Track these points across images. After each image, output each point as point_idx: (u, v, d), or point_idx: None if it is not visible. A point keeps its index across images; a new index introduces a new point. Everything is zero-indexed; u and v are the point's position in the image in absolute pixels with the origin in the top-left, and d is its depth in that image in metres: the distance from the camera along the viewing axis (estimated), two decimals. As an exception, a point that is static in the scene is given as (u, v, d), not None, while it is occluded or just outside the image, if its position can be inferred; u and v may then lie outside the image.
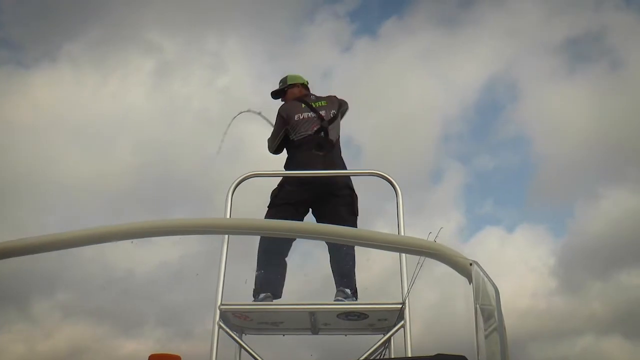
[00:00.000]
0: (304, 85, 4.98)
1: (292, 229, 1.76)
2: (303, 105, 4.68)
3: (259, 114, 4.97)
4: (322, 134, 4.51)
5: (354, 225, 4.29)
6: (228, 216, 3.83)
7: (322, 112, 4.62)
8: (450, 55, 18.80)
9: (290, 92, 4.92)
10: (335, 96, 4.81)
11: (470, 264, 1.59)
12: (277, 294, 3.98)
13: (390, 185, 3.89)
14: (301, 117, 4.59)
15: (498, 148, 18.25)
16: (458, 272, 1.64)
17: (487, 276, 1.54)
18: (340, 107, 4.76)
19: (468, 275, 1.62)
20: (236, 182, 3.91)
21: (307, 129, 4.53)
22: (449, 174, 17.55)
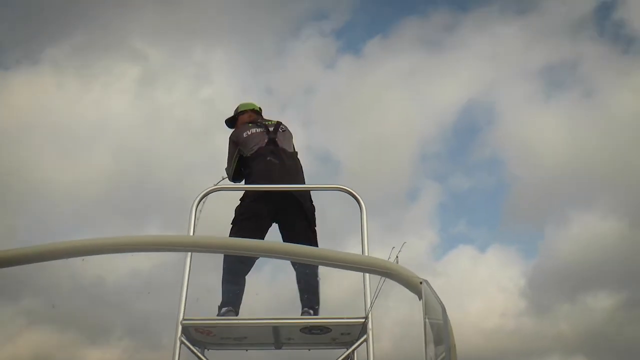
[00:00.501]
0: (254, 111, 5.08)
1: (250, 248, 1.78)
2: (250, 124, 4.82)
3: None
4: (273, 145, 4.58)
5: (314, 236, 4.36)
6: (192, 230, 3.82)
7: (270, 128, 4.73)
8: (432, 77, 19.24)
9: (241, 118, 5.03)
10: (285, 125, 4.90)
11: (420, 283, 1.62)
12: (237, 310, 3.98)
13: (356, 201, 3.93)
14: (250, 133, 4.70)
15: (474, 169, 18.76)
16: (409, 289, 1.68)
17: (435, 294, 1.57)
18: (289, 131, 4.85)
19: (418, 293, 1.66)
20: (200, 196, 3.91)
21: (257, 142, 4.61)
22: (425, 192, 17.97)
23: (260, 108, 5.16)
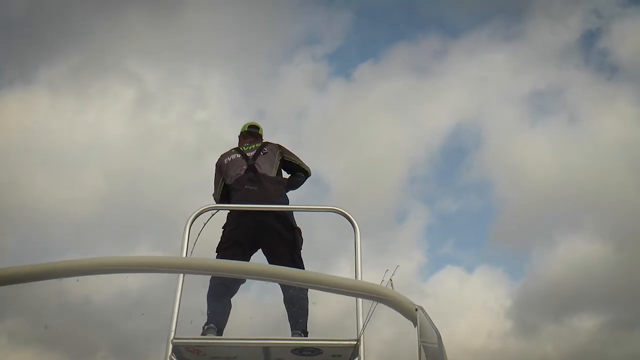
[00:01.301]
0: (245, 133, 5.12)
1: (242, 270, 1.78)
2: (233, 151, 4.89)
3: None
4: (252, 172, 4.61)
5: (297, 259, 4.37)
6: (186, 249, 3.82)
7: (249, 154, 4.77)
8: (421, 101, 19.69)
9: (239, 143, 5.10)
10: (272, 143, 4.94)
11: (416, 309, 1.63)
12: (220, 330, 3.97)
13: (349, 222, 3.95)
14: (229, 159, 4.78)
15: (461, 192, 19.04)
16: (404, 315, 1.69)
17: (431, 322, 1.58)
18: (278, 149, 4.88)
19: (413, 319, 1.67)
20: (193, 215, 3.92)
21: (236, 170, 4.68)
22: (413, 214, 18.20)
23: (256, 126, 5.16)
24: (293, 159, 4.92)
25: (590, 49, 19.07)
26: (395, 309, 1.69)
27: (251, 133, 5.10)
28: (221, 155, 4.91)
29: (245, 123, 5.22)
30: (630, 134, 16.97)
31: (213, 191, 4.85)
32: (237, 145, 5.03)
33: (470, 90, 19.31)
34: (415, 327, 1.66)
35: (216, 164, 4.87)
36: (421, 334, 1.65)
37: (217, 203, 4.76)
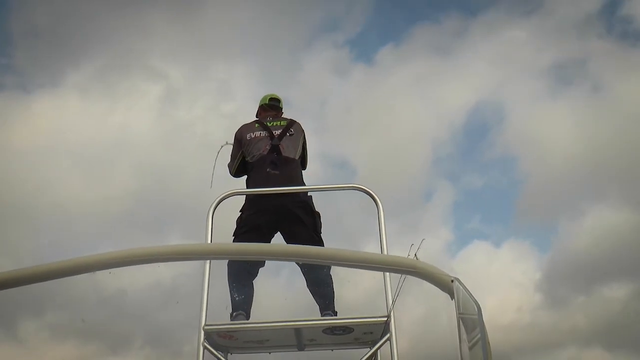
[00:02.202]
0: (266, 106, 4.94)
1: (268, 252, 1.76)
2: (257, 125, 4.69)
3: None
4: (275, 153, 4.48)
5: (318, 242, 4.31)
6: (210, 235, 3.82)
7: (276, 132, 4.60)
8: (442, 81, 19.75)
9: (258, 114, 4.96)
10: (299, 123, 4.78)
11: (452, 281, 1.60)
12: (248, 314, 3.98)
13: (372, 199, 3.91)
14: (253, 136, 4.59)
15: (486, 168, 19.03)
16: (440, 288, 1.66)
17: (469, 292, 1.55)
18: (302, 132, 4.75)
19: (450, 292, 1.63)
20: (216, 201, 3.91)
21: (259, 149, 4.52)
22: (439, 193, 18.33)
23: (277, 99, 4.97)
24: (306, 149, 4.76)
25: (612, 17, 18.78)
26: (431, 282, 1.66)
27: (272, 106, 4.90)
28: (242, 127, 4.72)
29: (266, 95, 5.00)
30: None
31: (229, 161, 4.75)
32: (257, 118, 4.86)
33: (490, 67, 19.35)
34: (452, 299, 1.63)
35: (235, 136, 4.70)
36: (458, 306, 1.62)
37: (232, 175, 4.71)
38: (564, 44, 18.76)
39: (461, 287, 1.59)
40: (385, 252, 3.77)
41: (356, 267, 1.68)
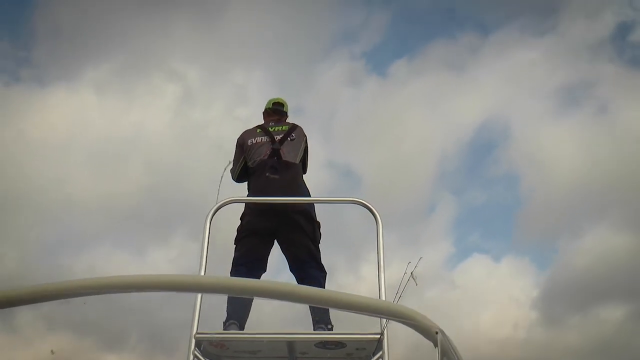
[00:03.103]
0: (269, 110, 4.93)
1: (254, 289, 1.72)
2: (258, 130, 4.68)
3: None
4: (276, 157, 4.46)
5: (316, 251, 4.30)
6: (206, 243, 3.80)
7: (277, 136, 4.57)
8: (452, 97, 19.75)
9: (263, 119, 4.94)
10: (300, 127, 4.75)
11: (436, 332, 1.56)
12: (242, 325, 3.95)
13: (371, 214, 3.87)
14: (254, 142, 4.58)
15: (490, 184, 19.28)
16: (424, 336, 1.62)
17: (452, 347, 1.51)
18: (304, 136, 4.72)
19: (434, 341, 1.60)
20: (214, 208, 3.88)
21: (260, 154, 4.50)
22: (442, 206, 18.42)
23: (281, 103, 4.95)
24: (307, 154, 4.73)
25: (623, 41, 18.74)
26: (415, 330, 1.62)
27: (276, 111, 4.89)
28: (244, 133, 4.72)
29: (270, 99, 4.99)
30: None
31: (231, 166, 4.72)
32: (261, 123, 4.84)
33: (500, 85, 19.54)
34: (435, 348, 1.60)
35: (237, 141, 4.71)
36: (441, 357, 1.59)
37: (234, 180, 4.69)
38: (575, 66, 19.00)
39: (445, 340, 1.55)
40: (382, 268, 3.74)
41: (338, 309, 1.65)
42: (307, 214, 4.33)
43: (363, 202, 3.92)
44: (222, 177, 4.51)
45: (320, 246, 4.37)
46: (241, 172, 4.64)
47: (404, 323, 1.63)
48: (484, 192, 19.15)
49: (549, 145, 18.51)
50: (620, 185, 16.55)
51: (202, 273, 3.69)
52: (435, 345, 1.61)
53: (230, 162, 4.72)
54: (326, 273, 4.30)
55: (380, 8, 19.65)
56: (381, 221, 3.83)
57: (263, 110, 4.97)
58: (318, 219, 4.43)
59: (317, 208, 4.50)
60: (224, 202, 3.95)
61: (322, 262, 4.32)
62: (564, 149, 18.24)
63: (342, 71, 19.79)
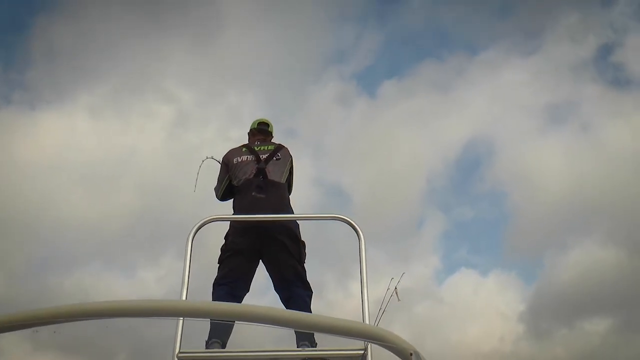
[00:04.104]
0: (255, 130, 4.96)
1: (219, 312, 1.73)
2: (244, 149, 4.69)
3: (219, 161, 4.97)
4: (261, 176, 4.46)
5: (301, 270, 4.30)
6: (188, 262, 3.79)
7: (263, 156, 4.58)
8: (440, 116, 20.39)
9: (248, 139, 4.96)
10: (286, 148, 4.78)
11: (411, 354, 1.58)
12: (224, 343, 3.93)
13: (353, 230, 3.88)
14: (239, 160, 4.59)
15: (477, 200, 19.76)
16: (399, 357, 1.64)
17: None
18: (290, 157, 4.74)
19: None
20: (196, 227, 3.86)
21: (245, 173, 4.51)
22: (430, 222, 18.96)
23: (266, 123, 4.98)
24: (292, 174, 4.75)
25: (605, 63, 19.70)
26: (391, 351, 1.64)
27: (261, 131, 4.92)
28: (230, 151, 4.74)
29: (255, 119, 5.04)
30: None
31: (215, 185, 4.73)
32: (246, 143, 4.86)
33: (485, 105, 20.15)
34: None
35: (223, 160, 4.72)
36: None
37: (219, 199, 4.69)
38: (559, 86, 19.82)
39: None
40: (365, 283, 3.75)
41: (313, 331, 1.66)
42: (292, 233, 4.32)
43: (345, 218, 3.93)
44: (198, 170, 4.56)
45: (306, 265, 4.38)
46: (225, 190, 4.63)
47: (379, 344, 1.65)
48: (471, 209, 19.72)
49: (535, 162, 19.08)
50: (605, 201, 17.21)
51: (185, 293, 3.67)
52: (410, 365, 1.62)
53: (207, 157, 4.80)
54: (312, 292, 4.30)
55: (373, 28, 20.42)
56: (364, 237, 3.83)
57: (248, 130, 4.99)
58: (304, 238, 4.43)
59: (304, 226, 4.51)
60: (206, 221, 3.94)
61: (307, 281, 4.32)
62: (549, 166, 18.84)
63: (333, 91, 20.45)
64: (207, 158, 4.84)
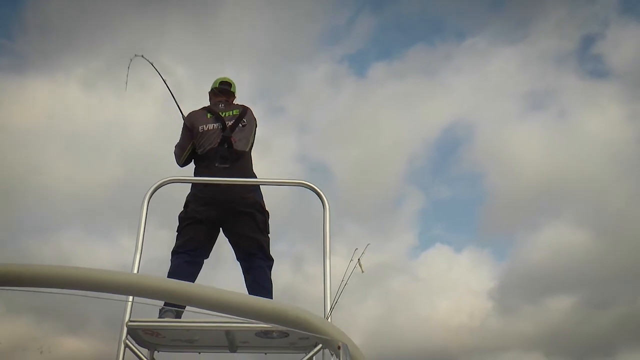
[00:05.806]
0: (216, 90, 4.59)
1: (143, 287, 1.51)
2: (209, 115, 4.37)
3: (152, 64, 4.79)
4: (226, 145, 4.21)
5: (265, 242, 4.11)
6: (143, 225, 3.58)
7: (229, 122, 4.30)
8: (424, 99, 20.53)
9: (210, 99, 4.64)
10: (250, 110, 4.47)
11: (339, 347, 1.38)
12: (179, 313, 3.72)
13: (318, 197, 3.67)
14: (205, 129, 4.29)
15: (455, 180, 19.95)
16: (326, 347, 1.44)
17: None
18: (255, 121, 4.47)
19: (336, 353, 1.41)
20: (152, 188, 3.63)
21: (210, 142, 4.23)
22: (409, 200, 19.28)
23: (229, 83, 4.61)
24: (254, 136, 4.45)
25: (585, 54, 19.96)
26: (319, 342, 1.43)
27: (222, 90, 4.56)
28: (193, 115, 4.40)
29: (217, 79, 4.65)
30: (613, 131, 18.27)
31: (175, 148, 4.42)
32: (209, 105, 4.52)
33: (468, 90, 20.20)
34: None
35: (185, 124, 4.38)
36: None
37: (179, 165, 4.39)
38: (541, 74, 19.90)
39: (347, 354, 1.36)
40: (327, 254, 3.57)
41: (228, 313, 1.45)
42: (256, 204, 4.12)
43: (309, 184, 3.71)
44: (128, 67, 4.68)
45: (273, 235, 4.18)
46: (188, 158, 4.36)
47: (303, 330, 1.44)
48: (449, 188, 20.02)
49: (512, 146, 19.57)
50: (577, 185, 17.85)
51: (137, 259, 3.49)
52: (338, 356, 1.42)
53: (136, 55, 4.67)
54: (273, 261, 4.12)
55: (369, 12, 20.22)
56: (328, 205, 3.63)
57: (209, 90, 4.67)
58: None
59: (266, 197, 4.28)
60: (163, 182, 3.70)
61: (269, 250, 4.12)
62: (525, 150, 19.29)
63: (324, 72, 20.45)
64: (135, 56, 4.60)
